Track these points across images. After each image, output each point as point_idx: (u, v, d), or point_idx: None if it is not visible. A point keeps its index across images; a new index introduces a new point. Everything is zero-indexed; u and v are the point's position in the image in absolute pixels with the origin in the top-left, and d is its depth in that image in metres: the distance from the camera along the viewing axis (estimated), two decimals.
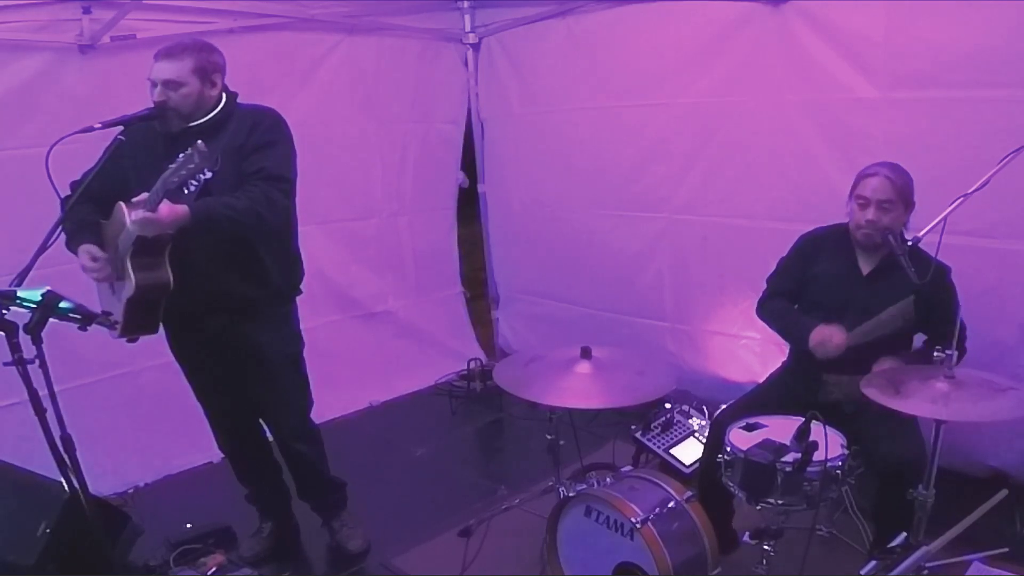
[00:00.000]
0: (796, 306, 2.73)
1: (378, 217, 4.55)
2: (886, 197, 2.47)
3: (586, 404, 2.50)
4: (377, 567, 2.94)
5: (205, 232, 2.32)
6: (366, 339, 4.56)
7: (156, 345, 2.71)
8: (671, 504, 2.33)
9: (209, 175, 2.19)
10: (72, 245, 2.41)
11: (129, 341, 2.48)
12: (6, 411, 3.05)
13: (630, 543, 2.27)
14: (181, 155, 2.06)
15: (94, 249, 2.38)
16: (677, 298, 4.10)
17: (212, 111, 2.46)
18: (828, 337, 2.47)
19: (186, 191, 2.20)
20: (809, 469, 2.13)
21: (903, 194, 2.49)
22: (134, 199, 2.20)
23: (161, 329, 2.53)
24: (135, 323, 2.40)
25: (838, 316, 2.55)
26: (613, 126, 4.10)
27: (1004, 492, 1.87)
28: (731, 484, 2.31)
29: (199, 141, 2.05)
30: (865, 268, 2.60)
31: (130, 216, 2.22)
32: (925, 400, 2.07)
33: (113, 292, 2.42)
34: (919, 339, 2.63)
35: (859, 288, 2.58)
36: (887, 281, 2.52)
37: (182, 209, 2.22)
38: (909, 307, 2.40)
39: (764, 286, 2.84)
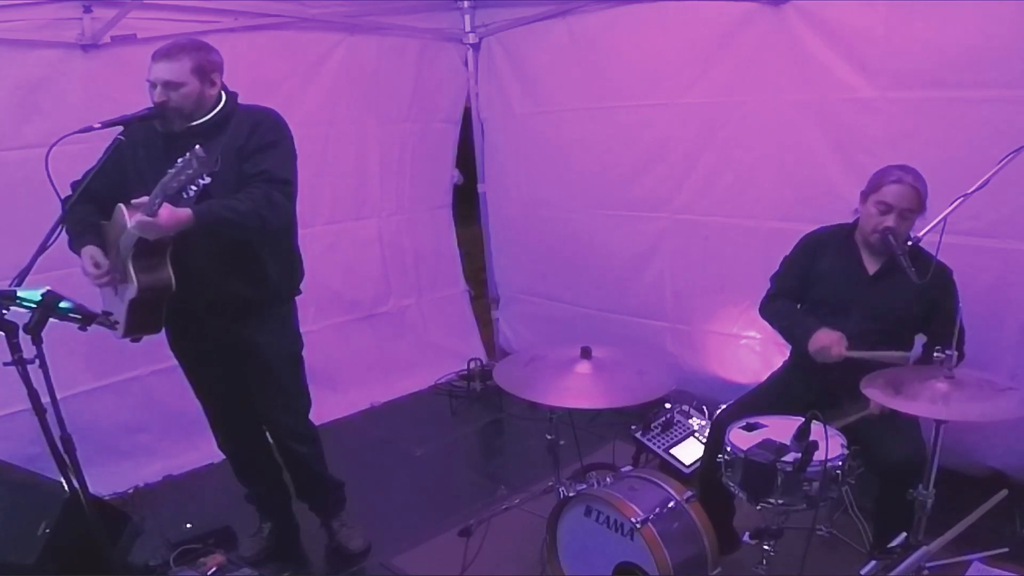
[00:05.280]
0: (800, 306, 2.73)
1: (378, 217, 4.55)
2: (909, 206, 2.44)
3: (586, 404, 2.49)
4: (377, 567, 2.94)
5: (207, 235, 2.32)
6: (368, 340, 4.56)
7: (159, 351, 2.74)
8: (671, 504, 2.33)
9: (208, 180, 2.18)
10: (76, 246, 2.41)
11: (133, 340, 2.50)
12: (11, 417, 3.06)
13: (630, 543, 2.27)
14: (180, 160, 2.05)
15: (98, 254, 2.38)
16: (678, 298, 4.09)
17: (212, 110, 2.46)
18: (828, 346, 2.46)
19: (185, 195, 2.19)
20: (809, 469, 2.13)
21: (923, 202, 2.47)
22: (134, 200, 2.20)
23: (162, 330, 2.54)
24: (138, 323, 2.41)
25: (843, 315, 2.56)
26: (614, 126, 4.10)
27: (1004, 492, 1.88)
28: (731, 484, 2.31)
29: (197, 147, 2.04)
30: (871, 268, 2.60)
31: (130, 219, 2.22)
32: (925, 400, 2.08)
33: (116, 293, 2.43)
34: (919, 340, 2.63)
35: (864, 288, 2.58)
36: (892, 281, 2.52)
37: (184, 213, 2.21)
38: (914, 357, 2.36)
39: (766, 285, 2.84)
